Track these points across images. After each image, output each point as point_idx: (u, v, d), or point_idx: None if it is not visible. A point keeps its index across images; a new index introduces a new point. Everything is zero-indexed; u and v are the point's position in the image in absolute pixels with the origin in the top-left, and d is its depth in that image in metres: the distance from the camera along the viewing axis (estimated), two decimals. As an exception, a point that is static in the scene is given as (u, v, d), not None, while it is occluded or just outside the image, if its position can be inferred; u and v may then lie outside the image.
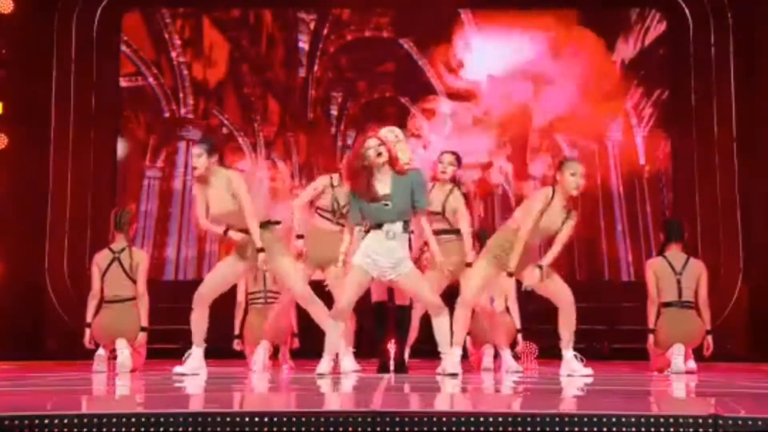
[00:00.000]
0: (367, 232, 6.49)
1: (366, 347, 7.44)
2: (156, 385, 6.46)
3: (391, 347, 7.15)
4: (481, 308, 7.49)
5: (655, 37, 11.11)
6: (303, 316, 8.43)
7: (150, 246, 10.75)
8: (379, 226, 6.41)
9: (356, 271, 6.48)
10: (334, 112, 11.23)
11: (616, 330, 9.84)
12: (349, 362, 7.08)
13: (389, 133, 7.08)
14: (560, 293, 6.83)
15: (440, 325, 6.59)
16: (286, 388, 6.07)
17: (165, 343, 8.42)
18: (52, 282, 10.32)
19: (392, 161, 6.50)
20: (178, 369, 6.78)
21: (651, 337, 7.59)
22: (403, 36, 11.19)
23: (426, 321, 7.09)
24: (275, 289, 7.87)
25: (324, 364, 6.51)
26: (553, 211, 6.73)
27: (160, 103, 11.23)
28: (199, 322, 6.88)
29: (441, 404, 4.79)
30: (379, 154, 6.43)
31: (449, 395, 5.31)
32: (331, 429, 3.72)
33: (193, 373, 6.71)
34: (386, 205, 6.40)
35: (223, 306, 8.25)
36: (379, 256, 6.41)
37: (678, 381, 6.69)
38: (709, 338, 7.57)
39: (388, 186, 6.44)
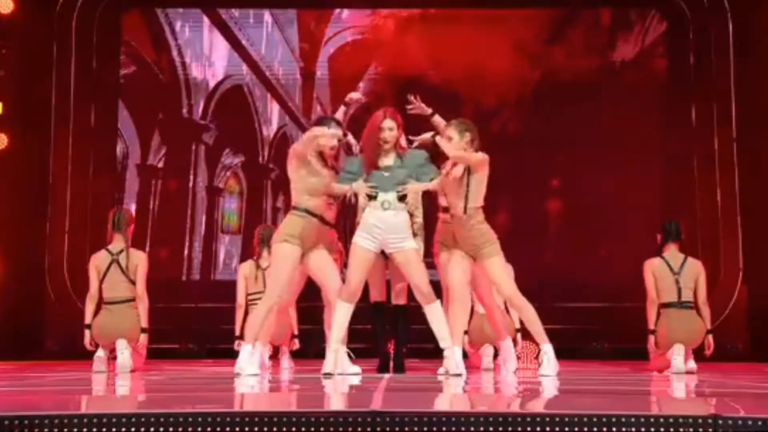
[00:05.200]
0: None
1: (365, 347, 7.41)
2: (156, 385, 6.46)
3: (390, 347, 7.16)
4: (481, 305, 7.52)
5: (655, 37, 11.12)
6: (303, 316, 8.46)
7: (149, 246, 10.75)
8: (374, 198, 6.54)
9: (357, 250, 6.59)
10: (335, 111, 11.22)
11: (616, 330, 9.84)
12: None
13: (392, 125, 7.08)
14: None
15: (433, 316, 6.60)
16: (286, 388, 6.07)
17: (163, 343, 8.39)
18: (52, 282, 10.32)
19: (397, 145, 6.66)
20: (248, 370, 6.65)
21: (651, 338, 7.59)
22: (405, 35, 11.20)
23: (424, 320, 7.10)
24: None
25: (329, 362, 6.53)
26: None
27: (160, 103, 11.23)
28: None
29: (441, 404, 4.79)
30: (386, 142, 6.66)
31: (449, 395, 5.31)
32: (331, 429, 3.72)
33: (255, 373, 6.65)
34: (385, 174, 6.56)
35: (225, 307, 8.28)
36: (379, 229, 6.52)
37: (678, 381, 6.69)
38: (710, 338, 7.58)
39: (391, 161, 6.66)
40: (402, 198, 6.63)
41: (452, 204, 6.79)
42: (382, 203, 6.59)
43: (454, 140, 6.74)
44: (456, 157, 6.72)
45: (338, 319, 6.58)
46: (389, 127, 6.70)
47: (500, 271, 6.79)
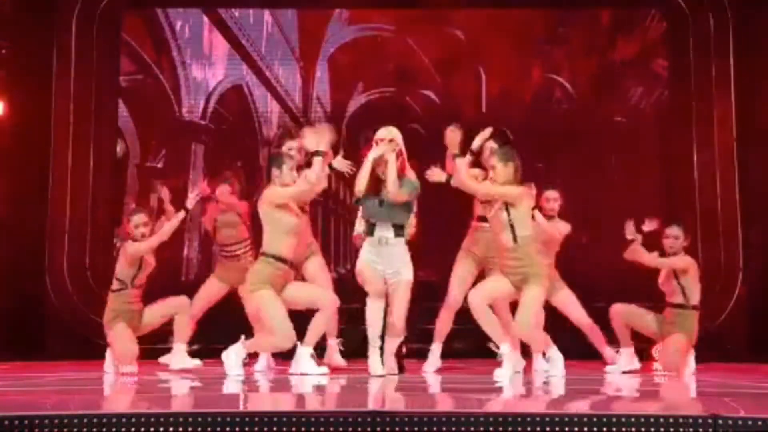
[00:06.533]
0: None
1: (365, 347, 7.39)
2: (156, 385, 6.47)
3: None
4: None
5: (655, 37, 11.11)
6: (304, 316, 8.45)
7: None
8: (371, 232, 6.59)
9: (367, 270, 6.67)
10: (335, 111, 11.23)
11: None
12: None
13: (384, 130, 7.13)
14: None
15: (388, 346, 6.82)
16: (286, 388, 6.07)
17: (162, 343, 8.38)
18: (52, 282, 10.31)
19: (399, 167, 6.66)
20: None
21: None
22: (405, 34, 11.19)
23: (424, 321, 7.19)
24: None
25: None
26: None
27: (160, 103, 11.22)
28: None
29: (441, 404, 4.79)
30: (386, 161, 6.64)
31: (449, 395, 5.32)
32: (331, 429, 3.72)
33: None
34: (380, 203, 6.55)
35: (224, 306, 8.28)
36: (378, 264, 6.60)
37: (678, 381, 6.70)
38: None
39: (389, 167, 6.69)
40: (399, 231, 6.69)
41: (499, 238, 6.77)
42: (378, 239, 6.66)
43: (498, 169, 6.70)
44: (487, 195, 6.73)
45: (370, 317, 6.68)
46: (387, 133, 6.76)
47: (531, 303, 6.67)
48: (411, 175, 6.90)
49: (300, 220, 6.88)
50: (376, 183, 6.68)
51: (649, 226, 7.56)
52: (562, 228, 7.73)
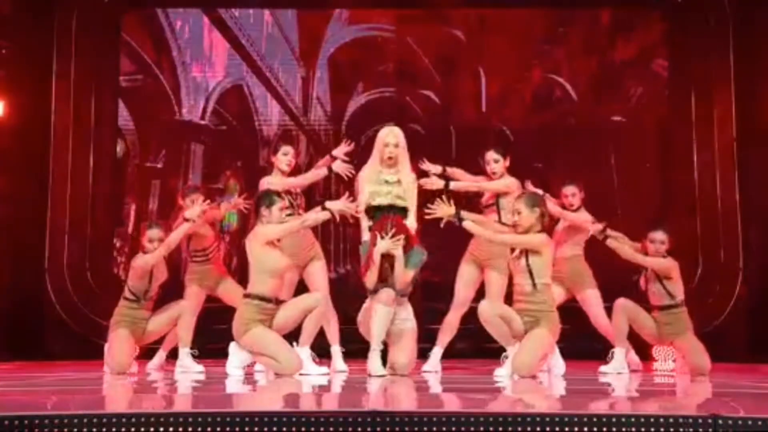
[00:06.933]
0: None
1: (366, 347, 7.40)
2: (155, 385, 6.47)
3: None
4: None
5: (655, 37, 11.11)
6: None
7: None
8: (376, 291, 6.70)
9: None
10: (335, 111, 11.23)
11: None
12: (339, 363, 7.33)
13: (390, 134, 7.15)
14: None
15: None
16: (286, 388, 6.08)
17: (161, 343, 8.37)
18: (52, 282, 10.31)
19: (407, 242, 6.73)
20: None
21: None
22: (405, 34, 11.19)
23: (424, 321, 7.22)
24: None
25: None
26: None
27: (160, 103, 11.21)
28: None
29: (441, 404, 4.79)
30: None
31: (449, 395, 5.32)
32: (331, 429, 3.72)
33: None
34: (387, 285, 6.65)
35: (223, 307, 8.28)
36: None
37: (678, 381, 6.70)
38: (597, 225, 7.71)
39: (396, 261, 6.75)
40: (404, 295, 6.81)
41: (518, 282, 6.77)
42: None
43: (524, 214, 6.68)
44: (509, 243, 6.75)
45: (378, 323, 6.68)
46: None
47: (537, 346, 6.60)
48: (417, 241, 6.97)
49: (288, 262, 6.88)
50: (383, 267, 6.74)
51: (593, 230, 7.61)
52: (584, 217, 7.84)
